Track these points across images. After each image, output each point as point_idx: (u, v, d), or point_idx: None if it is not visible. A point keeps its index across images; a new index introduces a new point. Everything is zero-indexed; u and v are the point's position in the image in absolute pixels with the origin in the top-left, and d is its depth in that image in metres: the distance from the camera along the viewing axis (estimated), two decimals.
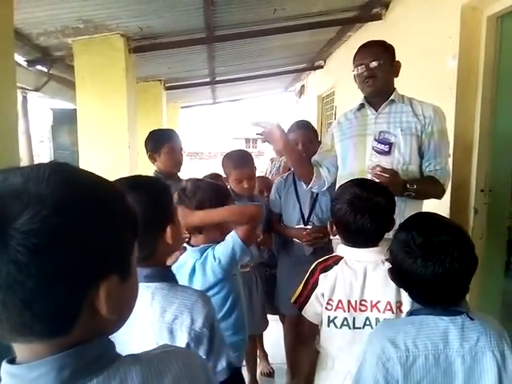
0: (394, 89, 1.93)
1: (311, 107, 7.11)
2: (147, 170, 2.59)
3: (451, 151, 2.45)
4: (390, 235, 1.40)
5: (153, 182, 1.13)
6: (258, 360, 2.64)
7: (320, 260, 1.43)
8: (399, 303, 1.32)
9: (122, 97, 3.48)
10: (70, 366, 0.49)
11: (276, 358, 2.68)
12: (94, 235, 0.49)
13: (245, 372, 2.43)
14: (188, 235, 1.49)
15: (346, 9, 3.83)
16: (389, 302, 1.31)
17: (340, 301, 1.33)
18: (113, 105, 3.47)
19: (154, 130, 2.50)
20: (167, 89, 5.82)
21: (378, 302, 1.32)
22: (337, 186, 1.96)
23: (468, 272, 1.03)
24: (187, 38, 3.67)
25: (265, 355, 2.77)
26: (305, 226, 2.30)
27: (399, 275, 1.12)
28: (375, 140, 1.72)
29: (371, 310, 1.32)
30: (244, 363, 2.40)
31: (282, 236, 2.43)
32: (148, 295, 0.98)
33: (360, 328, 1.33)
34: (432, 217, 1.16)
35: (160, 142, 2.38)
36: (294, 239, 2.33)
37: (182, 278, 1.45)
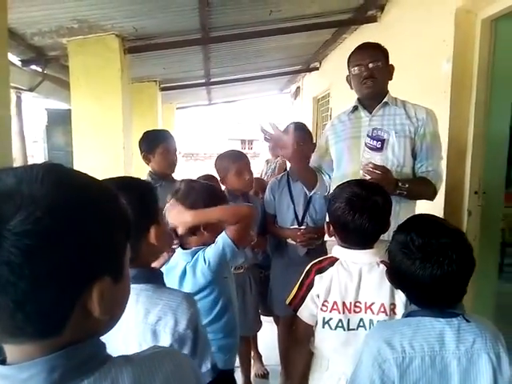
0: (387, 91, 1.94)
1: (307, 109, 7.12)
2: (142, 171, 2.59)
3: (445, 154, 2.47)
4: (384, 237, 1.41)
5: (137, 182, 1.11)
6: (252, 361, 2.63)
7: (315, 261, 1.43)
8: (393, 305, 1.32)
9: (117, 97, 3.47)
10: (60, 367, 0.49)
11: (270, 359, 2.68)
12: (87, 236, 0.49)
13: (239, 373, 2.42)
14: (176, 239, 1.48)
15: (342, 11, 3.85)
16: (383, 304, 1.31)
17: (335, 302, 1.33)
18: (108, 105, 3.46)
19: (148, 131, 2.49)
20: (162, 89, 5.81)
21: (373, 303, 1.32)
22: (331, 188, 1.96)
23: (466, 274, 1.03)
24: (182, 38, 3.67)
25: (259, 357, 2.76)
26: (299, 226, 2.30)
27: (397, 276, 1.12)
28: (368, 136, 1.72)
29: (365, 312, 1.32)
30: (238, 365, 2.40)
31: (276, 237, 2.43)
32: (133, 296, 0.96)
33: (354, 329, 1.33)
34: (431, 219, 1.16)
35: (154, 142, 2.37)
36: (288, 240, 2.33)
37: (173, 281, 1.44)
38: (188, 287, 1.42)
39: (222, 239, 1.40)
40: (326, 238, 2.03)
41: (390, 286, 1.31)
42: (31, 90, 4.08)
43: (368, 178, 1.66)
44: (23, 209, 0.44)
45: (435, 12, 2.71)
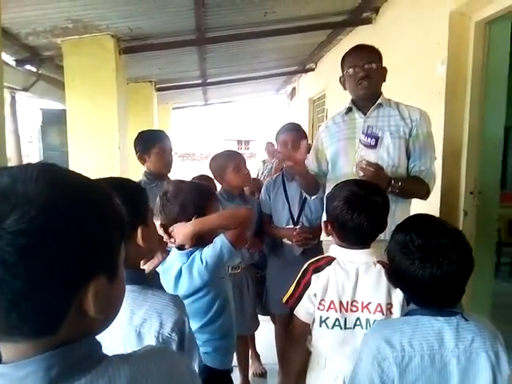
0: (381, 93, 1.95)
1: (303, 110, 7.13)
2: (138, 171, 2.58)
3: (440, 155, 2.48)
4: (381, 236, 1.41)
5: (127, 183, 1.10)
6: (250, 361, 2.63)
7: (312, 260, 1.43)
8: (390, 305, 1.32)
9: (112, 98, 3.46)
10: (57, 366, 0.49)
11: (268, 358, 2.69)
12: (81, 235, 0.49)
13: (237, 373, 2.43)
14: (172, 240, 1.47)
15: (337, 13, 3.86)
16: (379, 304, 1.32)
17: (332, 301, 1.33)
18: (103, 106, 3.45)
19: (143, 131, 2.48)
20: (158, 90, 5.80)
21: (369, 303, 1.32)
22: (327, 189, 1.96)
23: (465, 274, 1.03)
24: (178, 39, 3.67)
25: (257, 356, 2.77)
26: (294, 226, 2.31)
27: (396, 276, 1.12)
28: (362, 133, 1.73)
29: (362, 311, 1.33)
30: (236, 364, 2.40)
31: (272, 237, 2.43)
32: None
33: (351, 328, 1.33)
34: (430, 219, 1.16)
35: (149, 143, 2.36)
36: (284, 240, 2.34)
37: (168, 282, 1.44)
38: (183, 288, 1.42)
39: (220, 240, 1.40)
40: (322, 237, 2.04)
41: (386, 286, 1.32)
42: (26, 89, 4.06)
43: (361, 174, 1.67)
44: (18, 208, 0.44)
45: (430, 14, 2.72)
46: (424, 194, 1.89)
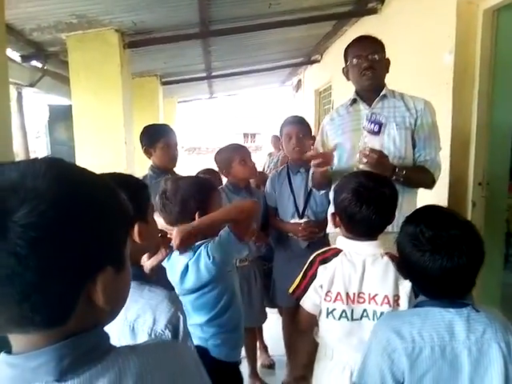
0: (385, 84, 1.93)
1: (308, 101, 7.09)
2: (144, 165, 2.59)
3: (449, 145, 2.46)
4: (388, 229, 1.41)
5: (129, 179, 1.09)
6: (258, 352, 2.65)
7: (319, 252, 1.43)
8: (397, 297, 1.32)
9: (117, 92, 3.47)
10: (68, 356, 0.51)
11: (276, 350, 2.70)
12: (89, 228, 0.50)
13: (245, 364, 2.44)
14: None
15: (342, 3, 3.82)
16: (386, 296, 1.31)
17: (339, 293, 1.33)
18: (108, 100, 3.46)
19: (149, 125, 2.48)
20: (163, 84, 5.80)
21: (376, 295, 1.32)
22: (333, 181, 1.95)
23: (476, 266, 1.02)
24: (182, 32, 3.65)
25: (265, 348, 2.78)
26: (300, 219, 2.30)
27: (406, 268, 1.11)
28: (366, 119, 1.71)
29: (369, 303, 1.32)
30: (244, 356, 2.42)
31: (277, 230, 2.43)
32: None
33: (358, 320, 1.33)
34: (441, 210, 1.15)
35: (155, 137, 2.36)
36: (290, 234, 2.33)
37: (174, 277, 1.44)
38: (190, 283, 1.42)
39: (226, 234, 1.39)
40: (329, 229, 2.04)
41: (393, 278, 1.31)
42: (31, 85, 4.08)
43: (364, 161, 1.65)
44: (27, 202, 0.45)
45: (436, 3, 2.68)
46: (429, 183, 1.88)
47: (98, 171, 0.59)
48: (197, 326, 1.49)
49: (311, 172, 2.10)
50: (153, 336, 0.94)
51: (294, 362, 2.33)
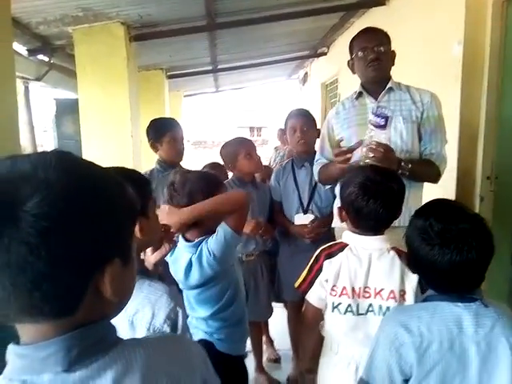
0: (391, 77, 1.91)
1: (315, 95, 7.05)
2: (150, 159, 2.59)
3: (457, 139, 2.43)
4: (395, 223, 1.40)
5: (132, 174, 1.09)
6: (264, 347, 2.66)
7: (325, 246, 1.43)
8: (403, 292, 1.31)
9: (124, 86, 3.47)
10: (77, 347, 0.51)
11: (282, 344, 2.71)
12: (98, 220, 0.51)
13: (251, 358, 2.46)
14: (178, 232, 1.46)
15: None
16: (392, 291, 1.31)
17: (344, 287, 1.33)
18: (114, 94, 3.46)
19: (155, 119, 2.48)
20: (169, 77, 5.79)
21: (382, 289, 1.32)
22: None
23: (485, 261, 1.01)
24: (188, 25, 3.64)
25: (270, 342, 2.79)
26: (304, 214, 2.29)
27: (415, 262, 1.11)
28: (372, 113, 1.70)
29: (374, 297, 1.32)
30: (250, 350, 2.43)
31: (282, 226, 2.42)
32: None
33: (363, 314, 1.33)
34: (450, 204, 1.14)
35: (161, 131, 2.36)
36: (295, 223, 2.31)
37: (178, 272, 1.44)
38: (195, 279, 1.42)
39: (222, 229, 1.38)
40: (334, 224, 2.03)
41: (400, 273, 1.31)
42: (38, 79, 4.09)
43: (370, 156, 1.64)
44: (39, 192, 0.46)
45: None
46: (434, 176, 1.86)
47: (104, 165, 0.60)
48: (201, 320, 1.50)
49: (316, 168, 2.08)
50: (151, 331, 0.95)
51: (301, 355, 2.34)
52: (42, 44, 3.61)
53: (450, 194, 2.39)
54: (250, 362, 2.42)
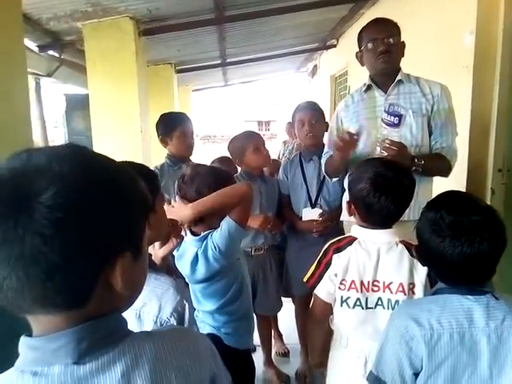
0: (400, 68, 1.89)
1: (324, 87, 7.00)
2: (160, 154, 2.60)
3: (468, 131, 2.40)
4: (404, 217, 1.40)
5: (140, 169, 1.09)
6: (273, 341, 2.67)
7: (333, 240, 1.42)
8: (412, 285, 1.31)
9: (133, 81, 3.48)
10: (87, 339, 0.52)
11: (291, 338, 2.71)
12: (111, 213, 0.51)
13: (260, 352, 2.48)
14: (185, 226, 1.47)
15: None
16: (401, 284, 1.30)
17: (353, 281, 1.33)
18: (124, 89, 3.47)
19: (165, 114, 2.48)
20: (178, 72, 5.79)
21: (391, 283, 1.31)
22: (348, 169, 1.93)
23: (497, 253, 1.00)
24: (197, 19, 3.63)
25: (279, 336, 2.80)
26: (312, 208, 2.29)
27: (425, 254, 1.10)
28: (385, 111, 1.69)
29: (383, 291, 1.32)
30: (259, 344, 2.45)
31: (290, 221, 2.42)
32: None
33: (372, 308, 1.33)
34: (462, 195, 1.13)
35: (171, 125, 2.37)
36: (303, 218, 2.31)
37: (185, 267, 1.45)
38: (201, 274, 1.43)
39: (226, 223, 1.39)
40: (343, 217, 2.02)
41: (408, 266, 1.30)
42: (49, 75, 4.12)
43: (385, 154, 1.63)
44: (54, 184, 0.47)
45: None
46: (446, 171, 1.85)
47: None
48: (208, 314, 1.52)
49: (324, 160, 2.08)
50: (158, 324, 0.95)
51: (311, 349, 2.34)
52: (52, 40, 3.63)
53: (461, 187, 2.36)
54: (259, 356, 2.44)
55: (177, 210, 1.42)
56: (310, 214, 2.29)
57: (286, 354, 2.71)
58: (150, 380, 0.55)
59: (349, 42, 5.33)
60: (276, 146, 8.61)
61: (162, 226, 1.14)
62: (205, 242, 1.42)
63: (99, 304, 0.53)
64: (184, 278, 1.47)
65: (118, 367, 0.53)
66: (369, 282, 1.32)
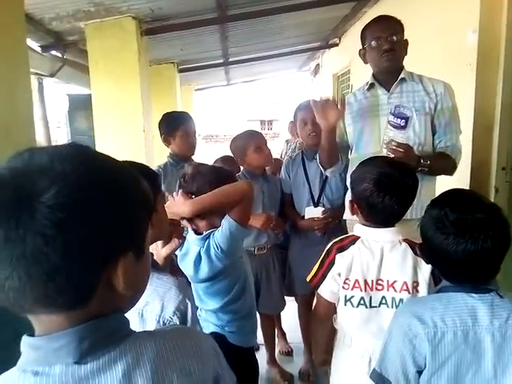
0: (403, 67, 1.89)
1: (327, 86, 6.99)
2: (162, 154, 2.61)
3: (471, 129, 2.39)
4: (407, 216, 1.39)
5: (142, 169, 1.09)
6: (277, 339, 2.67)
7: (336, 240, 1.42)
8: (416, 283, 1.31)
9: (135, 80, 3.48)
10: (89, 338, 0.52)
11: (295, 337, 2.71)
12: (114, 213, 0.51)
13: (263, 351, 2.48)
14: (187, 225, 1.47)
15: None
16: (405, 283, 1.30)
17: (357, 280, 1.32)
18: (126, 89, 3.47)
19: (168, 113, 2.48)
20: (180, 71, 5.79)
21: (395, 281, 1.31)
22: (349, 168, 1.93)
23: (501, 251, 1.00)
24: (199, 18, 3.63)
25: (283, 335, 2.80)
26: (315, 206, 2.28)
27: (429, 252, 1.10)
28: (391, 114, 1.68)
29: (387, 290, 1.32)
30: (263, 342, 2.45)
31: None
32: None
33: (376, 307, 1.33)
34: (466, 193, 1.13)
35: (174, 125, 2.37)
36: (306, 217, 2.31)
37: (188, 266, 1.45)
38: (204, 272, 1.43)
39: (227, 222, 1.38)
40: (346, 216, 2.02)
41: (412, 264, 1.30)
42: (52, 75, 4.13)
43: (391, 156, 1.63)
44: (55, 184, 0.47)
45: None
46: (451, 169, 1.85)
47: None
48: (211, 313, 1.52)
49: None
50: (161, 323, 0.95)
51: (315, 349, 2.34)
52: (54, 40, 3.64)
53: (465, 185, 2.35)
54: (263, 355, 2.44)
55: (177, 204, 1.42)
56: (312, 213, 2.28)
57: (289, 353, 2.71)
58: (151, 379, 0.54)
59: (351, 40, 5.33)
60: (278, 145, 8.61)
61: (163, 226, 1.14)
62: (207, 241, 1.42)
63: (101, 304, 0.53)
64: (186, 277, 1.47)
65: (119, 367, 0.53)
66: (372, 281, 1.32)
